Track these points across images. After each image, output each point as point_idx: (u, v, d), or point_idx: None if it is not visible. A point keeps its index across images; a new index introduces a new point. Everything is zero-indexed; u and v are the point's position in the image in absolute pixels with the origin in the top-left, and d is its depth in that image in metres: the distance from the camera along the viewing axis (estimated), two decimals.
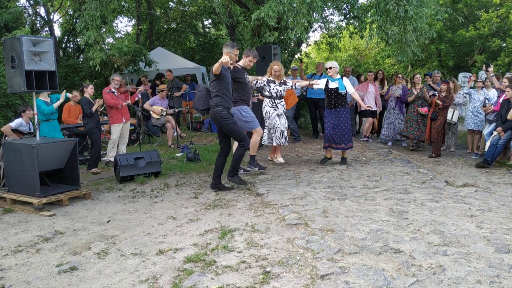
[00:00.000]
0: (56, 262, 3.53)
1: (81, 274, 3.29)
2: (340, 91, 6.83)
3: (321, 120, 10.25)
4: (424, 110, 8.51)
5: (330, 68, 6.99)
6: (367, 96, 9.57)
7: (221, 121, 5.32)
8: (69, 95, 7.96)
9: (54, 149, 5.49)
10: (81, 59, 16.16)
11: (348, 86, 6.93)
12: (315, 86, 7.15)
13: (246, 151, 5.23)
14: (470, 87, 8.77)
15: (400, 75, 9.87)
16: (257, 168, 6.43)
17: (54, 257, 3.65)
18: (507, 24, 17.69)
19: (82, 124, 8.37)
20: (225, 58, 5.02)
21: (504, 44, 18.15)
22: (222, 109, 5.29)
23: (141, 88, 9.24)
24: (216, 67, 5.09)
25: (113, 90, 7.60)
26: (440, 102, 8.18)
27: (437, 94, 8.29)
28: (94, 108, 7.29)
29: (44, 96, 7.08)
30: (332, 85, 6.87)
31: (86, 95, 7.45)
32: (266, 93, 6.94)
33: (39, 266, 3.47)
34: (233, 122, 5.38)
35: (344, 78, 7.06)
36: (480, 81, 8.58)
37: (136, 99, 9.01)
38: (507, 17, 17.57)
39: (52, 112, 7.09)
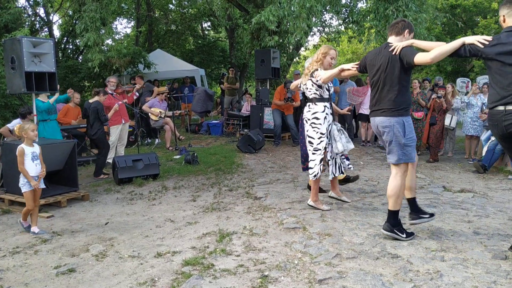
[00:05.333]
0: (54, 263, 3.53)
1: (79, 276, 3.29)
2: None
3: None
4: (418, 115, 8.55)
5: None
6: (365, 101, 9.57)
7: None
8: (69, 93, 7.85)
9: (53, 150, 5.49)
10: (80, 60, 16.18)
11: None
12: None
13: None
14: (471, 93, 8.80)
15: None
16: (404, 235, 3.77)
17: (52, 258, 3.65)
18: None
19: (81, 126, 8.37)
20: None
21: None
22: None
23: (137, 86, 9.29)
24: None
25: (110, 92, 7.60)
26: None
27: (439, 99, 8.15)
28: (110, 114, 7.14)
29: (42, 97, 7.02)
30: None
31: (97, 99, 7.02)
32: (319, 94, 4.67)
33: (37, 268, 3.46)
34: None
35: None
36: (477, 87, 8.62)
37: (135, 97, 9.03)
38: None
39: (49, 109, 6.96)
